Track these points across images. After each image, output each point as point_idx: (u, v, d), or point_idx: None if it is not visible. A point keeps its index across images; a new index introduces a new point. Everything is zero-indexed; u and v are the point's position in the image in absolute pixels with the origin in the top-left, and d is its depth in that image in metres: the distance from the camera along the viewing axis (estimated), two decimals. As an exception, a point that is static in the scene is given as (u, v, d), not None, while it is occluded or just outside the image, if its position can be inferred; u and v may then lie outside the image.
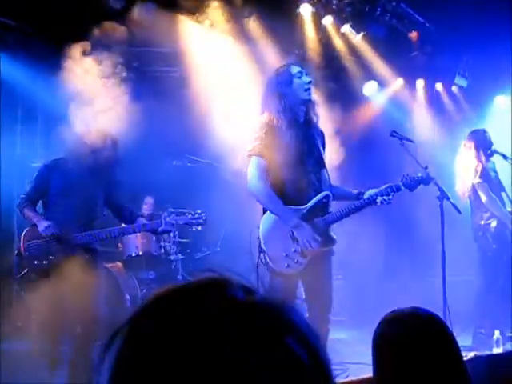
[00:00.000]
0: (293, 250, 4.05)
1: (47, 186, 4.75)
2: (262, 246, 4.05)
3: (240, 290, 0.69)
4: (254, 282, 0.72)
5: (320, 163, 4.24)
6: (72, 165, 4.72)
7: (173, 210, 6.52)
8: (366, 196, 4.21)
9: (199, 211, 4.97)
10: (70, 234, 4.67)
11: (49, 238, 4.67)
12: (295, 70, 4.21)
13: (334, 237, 4.17)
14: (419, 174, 4.31)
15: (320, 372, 0.67)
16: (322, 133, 4.40)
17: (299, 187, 4.10)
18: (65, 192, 4.72)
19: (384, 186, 4.20)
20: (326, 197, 4.17)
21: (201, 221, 4.94)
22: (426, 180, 4.33)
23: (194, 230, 5.12)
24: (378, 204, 4.16)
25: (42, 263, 4.67)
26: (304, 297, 4.16)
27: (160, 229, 4.79)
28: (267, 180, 4.08)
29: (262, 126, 4.13)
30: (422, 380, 1.68)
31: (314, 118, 4.27)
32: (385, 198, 4.15)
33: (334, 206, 4.26)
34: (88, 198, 4.74)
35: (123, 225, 5.00)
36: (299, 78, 4.18)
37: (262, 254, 4.05)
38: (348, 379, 4.09)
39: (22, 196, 4.79)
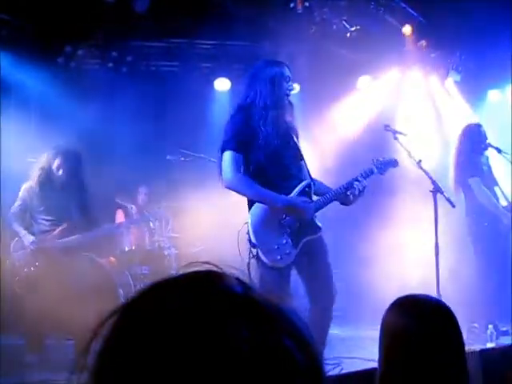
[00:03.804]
0: (284, 241, 4.03)
1: (30, 206, 5.46)
2: (253, 240, 4.01)
3: (237, 284, 0.68)
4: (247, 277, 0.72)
5: (297, 155, 4.25)
6: (46, 186, 5.44)
7: (165, 204, 6.53)
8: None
9: (147, 211, 6.24)
10: (52, 242, 5.37)
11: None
12: (287, 72, 4.19)
13: (320, 224, 4.18)
14: (387, 157, 4.51)
15: (313, 371, 0.67)
16: (294, 127, 4.36)
17: (281, 179, 4.09)
18: (44, 211, 5.43)
19: (358, 173, 4.27)
20: (308, 186, 4.19)
21: (151, 218, 6.09)
22: (394, 162, 4.51)
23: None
24: (355, 190, 4.19)
25: (30, 270, 5.31)
26: (305, 291, 4.13)
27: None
28: (243, 171, 4.04)
29: (240, 119, 4.09)
30: (427, 369, 1.68)
31: (290, 119, 4.25)
32: (360, 181, 4.19)
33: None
34: (63, 212, 5.44)
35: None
36: (287, 82, 4.17)
37: (253, 249, 4.00)
38: (342, 372, 4.10)
39: (11, 212, 5.47)
